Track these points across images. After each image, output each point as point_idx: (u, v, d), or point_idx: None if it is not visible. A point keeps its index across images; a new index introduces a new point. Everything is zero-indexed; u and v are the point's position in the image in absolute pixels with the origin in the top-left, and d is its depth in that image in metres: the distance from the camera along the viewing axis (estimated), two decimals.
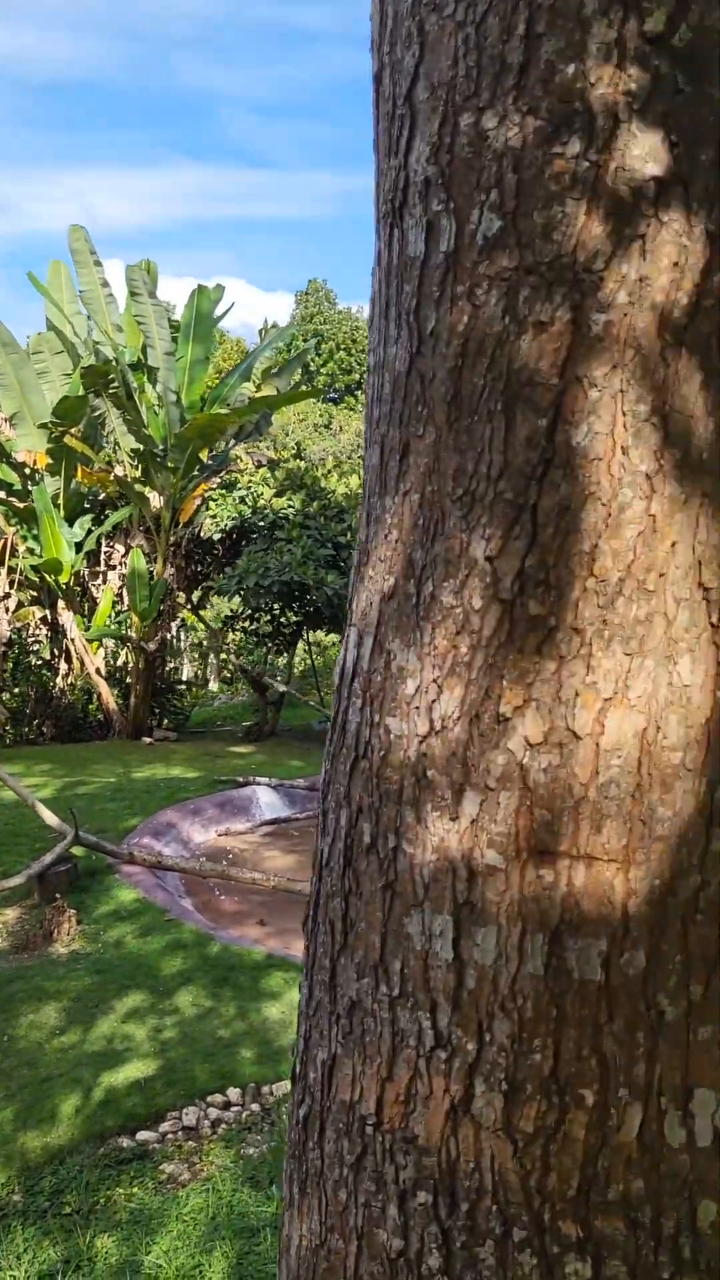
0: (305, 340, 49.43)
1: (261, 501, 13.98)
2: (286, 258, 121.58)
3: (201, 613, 17.28)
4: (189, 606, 16.05)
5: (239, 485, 14.28)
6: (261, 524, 13.80)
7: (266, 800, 11.42)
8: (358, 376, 48.63)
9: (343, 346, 48.64)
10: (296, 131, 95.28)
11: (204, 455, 15.24)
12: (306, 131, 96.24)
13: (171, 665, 17.52)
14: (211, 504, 14.31)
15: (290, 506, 13.87)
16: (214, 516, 14.15)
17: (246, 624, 17.25)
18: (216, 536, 14.19)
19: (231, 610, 17.94)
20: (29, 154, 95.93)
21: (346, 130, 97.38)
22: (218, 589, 13.85)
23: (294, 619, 16.16)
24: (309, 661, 26.32)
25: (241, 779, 11.68)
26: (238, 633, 18.41)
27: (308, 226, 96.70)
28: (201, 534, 14.44)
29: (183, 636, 20.37)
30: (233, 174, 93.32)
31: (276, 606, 14.95)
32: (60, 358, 15.58)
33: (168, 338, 14.36)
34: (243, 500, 14.07)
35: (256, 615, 16.68)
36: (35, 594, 15.15)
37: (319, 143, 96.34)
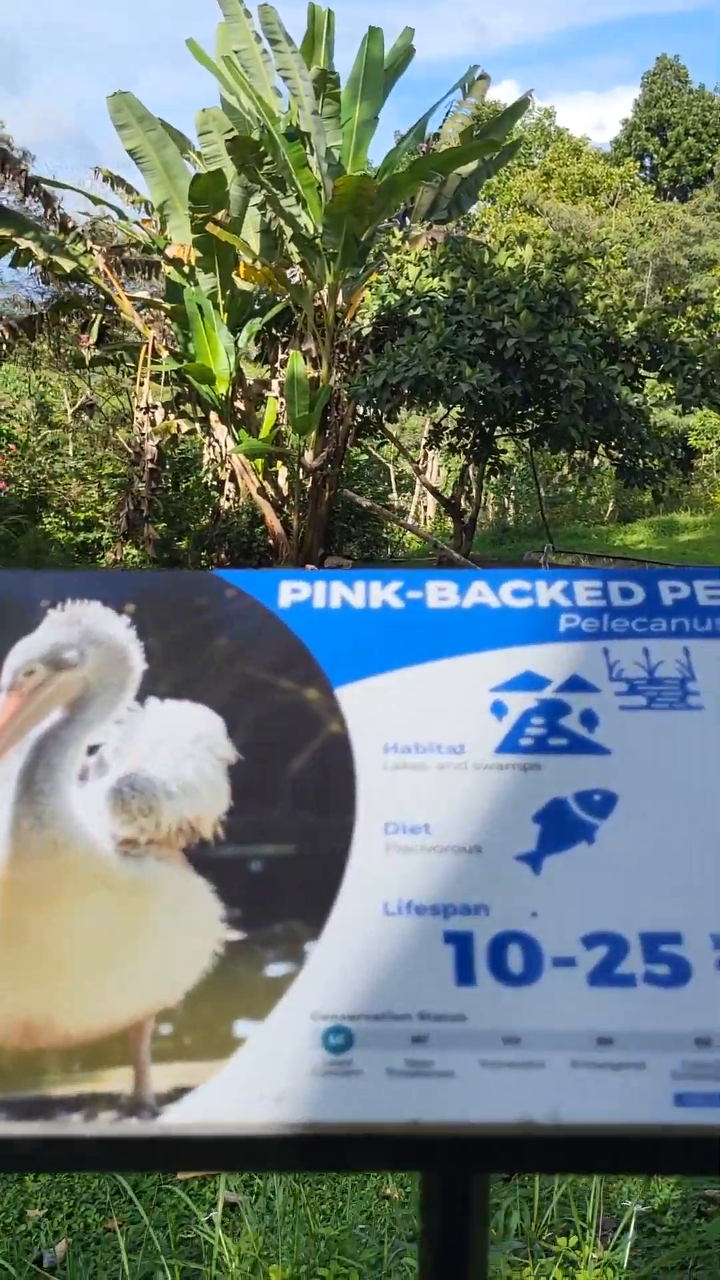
0: (649, 127, 43.54)
1: (403, 283, 11.63)
2: (687, 58, 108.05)
3: (390, 426, 15.38)
4: (374, 419, 14.19)
5: (388, 267, 12.02)
6: (414, 312, 11.53)
7: None
8: (709, 166, 42.20)
9: (692, 132, 42.08)
10: None
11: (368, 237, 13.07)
12: None
13: (358, 487, 15.88)
14: (368, 293, 12.22)
15: (442, 288, 11.43)
16: (366, 308, 12.07)
17: (453, 439, 15.17)
18: (366, 330, 12.13)
19: (434, 423, 15.82)
20: None
21: None
22: (350, 392, 11.90)
23: (486, 431, 13.86)
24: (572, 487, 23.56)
25: None
26: (442, 449, 16.30)
27: (707, 20, 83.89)
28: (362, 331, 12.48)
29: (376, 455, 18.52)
30: None
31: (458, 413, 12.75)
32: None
33: (311, 92, 12.16)
34: (392, 286, 11.82)
35: (463, 429, 14.54)
36: (198, 409, 14.01)
37: None
